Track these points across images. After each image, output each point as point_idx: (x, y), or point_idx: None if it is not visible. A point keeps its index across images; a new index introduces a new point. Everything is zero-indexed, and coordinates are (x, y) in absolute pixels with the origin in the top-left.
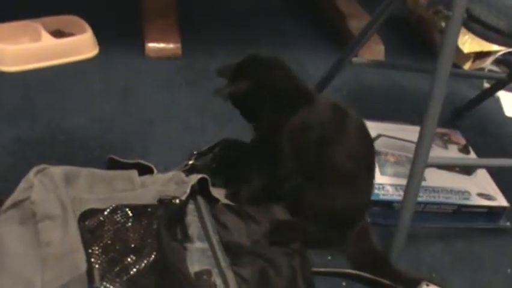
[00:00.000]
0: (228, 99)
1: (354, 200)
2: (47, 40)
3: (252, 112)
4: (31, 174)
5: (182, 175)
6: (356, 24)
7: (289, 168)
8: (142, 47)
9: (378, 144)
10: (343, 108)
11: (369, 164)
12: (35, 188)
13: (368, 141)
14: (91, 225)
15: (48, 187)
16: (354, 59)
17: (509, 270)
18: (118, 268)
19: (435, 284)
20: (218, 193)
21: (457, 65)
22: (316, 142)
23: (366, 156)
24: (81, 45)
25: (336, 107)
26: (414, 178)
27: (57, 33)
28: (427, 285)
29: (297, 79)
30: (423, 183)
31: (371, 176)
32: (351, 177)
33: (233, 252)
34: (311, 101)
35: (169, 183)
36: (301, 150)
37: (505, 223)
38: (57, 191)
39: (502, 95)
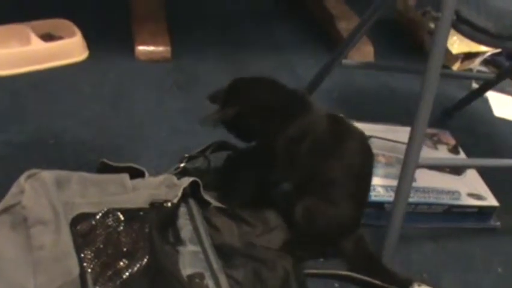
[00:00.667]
0: (217, 126)
1: (348, 213)
2: (37, 44)
3: (246, 134)
4: (22, 179)
5: (174, 178)
6: (345, 25)
7: (280, 178)
8: (132, 50)
9: None
10: (343, 120)
11: (365, 177)
12: (26, 193)
13: (366, 154)
14: (83, 230)
15: (40, 192)
16: (344, 61)
17: (499, 270)
18: (110, 272)
19: (426, 284)
20: (209, 196)
21: (445, 66)
22: (310, 153)
23: (363, 169)
24: (71, 48)
25: (335, 118)
26: (405, 179)
27: (47, 37)
28: (419, 285)
29: (287, 93)
30: (414, 184)
31: (367, 188)
32: (347, 190)
33: (225, 254)
34: (306, 112)
35: (160, 187)
36: (294, 161)
37: (495, 223)
38: (49, 196)
39: (491, 95)
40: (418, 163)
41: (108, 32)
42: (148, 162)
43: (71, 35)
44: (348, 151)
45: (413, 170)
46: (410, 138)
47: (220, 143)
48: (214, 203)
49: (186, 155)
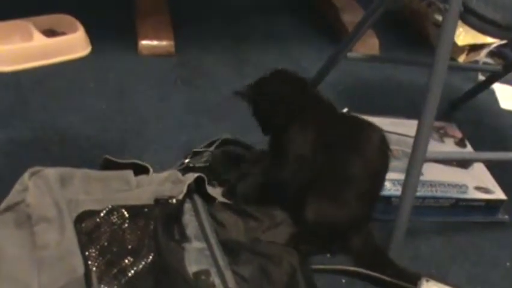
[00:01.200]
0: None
1: (359, 212)
2: (39, 39)
3: (264, 124)
4: (26, 176)
5: (179, 174)
6: (350, 18)
7: (291, 173)
8: (135, 44)
9: None
10: (362, 120)
11: (381, 175)
12: (30, 191)
13: (384, 151)
14: (88, 227)
15: (43, 189)
16: (349, 54)
17: (508, 264)
18: (115, 270)
19: (435, 279)
20: (215, 192)
21: (451, 58)
22: (324, 149)
23: (380, 167)
24: (73, 44)
25: (352, 118)
26: (412, 173)
27: (49, 33)
28: (427, 280)
29: (304, 88)
30: (421, 178)
31: (380, 186)
32: (362, 188)
33: (231, 250)
34: (321, 108)
35: (165, 183)
36: (305, 155)
37: (503, 216)
38: (53, 193)
39: (497, 87)
40: (426, 157)
41: (111, 27)
42: (153, 157)
43: (74, 30)
44: (367, 147)
45: (421, 164)
46: (418, 131)
47: (225, 138)
48: (220, 198)
49: (192, 150)
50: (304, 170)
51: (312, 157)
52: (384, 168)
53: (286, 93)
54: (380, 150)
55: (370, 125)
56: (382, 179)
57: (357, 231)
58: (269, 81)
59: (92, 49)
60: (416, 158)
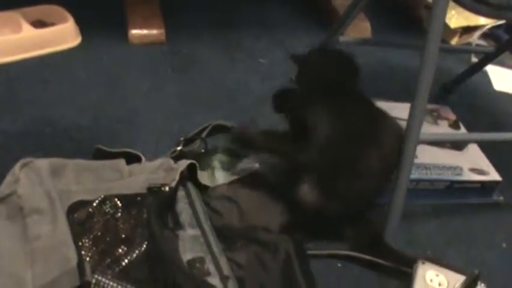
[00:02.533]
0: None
1: (363, 202)
2: (28, 31)
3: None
4: (16, 168)
5: (171, 162)
6: (341, 1)
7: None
8: (126, 34)
9: None
10: (379, 109)
11: (390, 171)
12: (21, 182)
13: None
14: (80, 218)
15: (35, 180)
16: (341, 38)
17: (504, 245)
18: (109, 260)
19: (431, 261)
20: (207, 178)
21: (444, 41)
22: (342, 138)
23: (391, 163)
24: (63, 34)
25: (375, 109)
26: (406, 155)
27: (38, 24)
28: (423, 263)
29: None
30: (415, 161)
31: (387, 179)
32: (370, 180)
33: (226, 237)
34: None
35: (157, 171)
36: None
37: (498, 197)
38: (44, 184)
39: (490, 69)
40: (419, 139)
41: (101, 17)
42: (145, 146)
43: (63, 20)
44: (384, 142)
45: (414, 146)
46: (411, 114)
47: (216, 125)
48: (212, 184)
49: (182, 138)
50: (309, 152)
51: (322, 142)
52: (395, 166)
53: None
54: (396, 142)
55: (386, 114)
56: (390, 177)
57: (354, 219)
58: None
59: (82, 39)
60: (410, 140)
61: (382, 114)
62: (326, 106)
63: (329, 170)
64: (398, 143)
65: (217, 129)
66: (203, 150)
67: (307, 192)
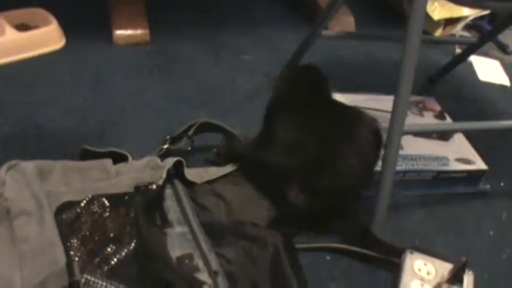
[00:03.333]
0: None
1: (344, 199)
2: (12, 34)
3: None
4: (2, 170)
5: (158, 160)
6: None
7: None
8: (110, 35)
9: None
10: (358, 111)
11: (369, 168)
12: (8, 185)
13: (375, 146)
14: (68, 218)
15: (21, 183)
16: (324, 32)
17: (491, 233)
18: (98, 259)
19: (419, 251)
20: (195, 175)
21: (427, 33)
22: (317, 139)
23: (369, 160)
24: (47, 37)
25: (348, 108)
26: (391, 146)
27: (22, 27)
28: (411, 252)
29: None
30: (401, 152)
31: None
32: (348, 178)
33: (215, 233)
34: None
35: (144, 169)
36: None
37: (484, 186)
38: (31, 186)
39: (475, 59)
40: (403, 130)
41: (84, 19)
42: (132, 146)
43: (47, 23)
44: (360, 139)
45: (399, 137)
46: (394, 104)
47: (203, 123)
48: (199, 181)
49: (168, 136)
50: (292, 154)
51: (303, 143)
52: (376, 156)
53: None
54: (372, 138)
55: (366, 116)
56: (371, 171)
57: (340, 213)
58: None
59: (67, 42)
60: (394, 131)
61: (357, 114)
62: (302, 112)
63: (310, 171)
64: (375, 139)
65: (204, 127)
66: (189, 148)
67: (294, 194)
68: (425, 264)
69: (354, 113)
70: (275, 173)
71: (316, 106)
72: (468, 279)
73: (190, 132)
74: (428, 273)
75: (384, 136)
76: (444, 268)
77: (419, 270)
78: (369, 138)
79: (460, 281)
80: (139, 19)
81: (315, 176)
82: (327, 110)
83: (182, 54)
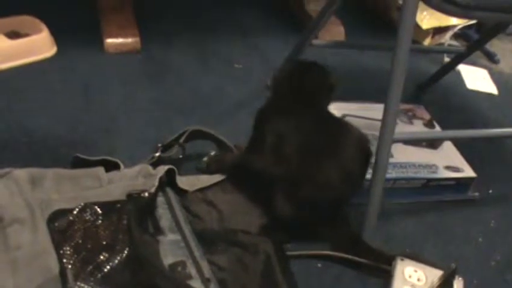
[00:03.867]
0: None
1: (329, 211)
2: (3, 42)
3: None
4: None
5: (150, 168)
6: (314, 7)
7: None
8: (101, 43)
9: None
10: (343, 122)
11: (354, 178)
12: (0, 193)
13: (361, 156)
14: (61, 226)
15: (14, 190)
16: (314, 41)
17: (480, 239)
18: (91, 267)
19: (409, 257)
20: (186, 183)
21: (416, 42)
22: (301, 151)
23: (354, 171)
24: (38, 45)
25: (334, 119)
26: (381, 154)
27: (13, 35)
28: (402, 259)
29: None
30: (391, 160)
31: (354, 189)
32: (332, 190)
33: (207, 241)
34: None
35: (136, 177)
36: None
37: (473, 193)
38: (24, 194)
39: (463, 68)
40: (393, 138)
41: (75, 27)
42: (124, 154)
43: (38, 31)
44: (344, 151)
45: (389, 145)
46: (384, 113)
47: (194, 130)
48: (191, 189)
49: (160, 144)
50: (278, 164)
51: (288, 153)
52: (362, 171)
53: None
54: (357, 153)
55: (350, 127)
56: (357, 181)
57: (330, 222)
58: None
59: (58, 50)
60: (384, 138)
61: (346, 127)
62: (292, 121)
63: (294, 181)
64: (361, 154)
65: (195, 135)
66: (181, 156)
67: (280, 204)
68: (416, 271)
69: (343, 126)
70: (264, 181)
71: (306, 115)
72: (458, 285)
73: (181, 140)
74: (418, 279)
75: (375, 144)
76: (434, 275)
77: (410, 276)
78: (355, 153)
79: (450, 287)
80: (129, 27)
81: (297, 187)
82: (317, 120)
83: (173, 63)
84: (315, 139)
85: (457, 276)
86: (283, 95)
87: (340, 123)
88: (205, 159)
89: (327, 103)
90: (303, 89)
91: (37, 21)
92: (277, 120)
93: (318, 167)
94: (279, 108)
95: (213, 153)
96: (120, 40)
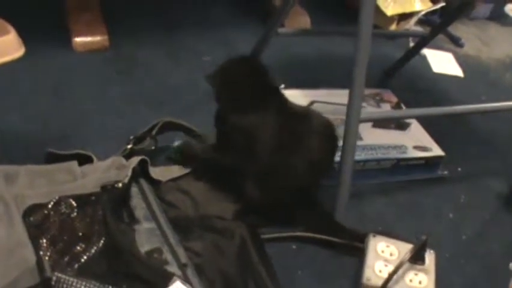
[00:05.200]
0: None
1: (299, 195)
2: None
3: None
4: None
5: (123, 159)
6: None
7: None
8: (69, 42)
9: None
10: (307, 110)
11: (322, 163)
12: None
13: (327, 141)
14: (36, 220)
15: None
16: (280, 30)
17: (451, 215)
18: (68, 257)
19: (381, 234)
20: (159, 173)
21: (381, 29)
22: (269, 145)
23: (321, 156)
24: (5, 46)
25: (298, 108)
26: (349, 135)
27: None
28: (374, 236)
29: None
30: (361, 143)
31: (323, 173)
32: (300, 175)
33: (182, 228)
34: (271, 101)
35: (110, 170)
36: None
37: (442, 172)
38: None
39: (429, 53)
40: (360, 118)
41: (44, 27)
42: (96, 149)
43: (5, 33)
44: (310, 137)
45: (356, 125)
46: (350, 94)
47: (165, 122)
48: (164, 179)
49: (132, 136)
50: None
51: (253, 146)
52: (329, 157)
53: (247, 84)
54: (323, 140)
55: (314, 115)
56: (326, 166)
57: (301, 205)
58: (234, 69)
59: (26, 50)
60: (351, 119)
61: (310, 115)
62: (255, 116)
63: (264, 174)
64: (327, 139)
65: (167, 126)
66: (153, 148)
67: (250, 190)
68: (388, 246)
69: (307, 115)
70: (232, 172)
71: (268, 109)
72: (430, 258)
73: (153, 132)
74: (391, 254)
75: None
76: (406, 248)
77: (382, 252)
78: (320, 141)
79: (422, 259)
80: (97, 26)
81: (265, 178)
82: (280, 112)
83: (142, 58)
84: (281, 131)
85: (428, 249)
86: (236, 93)
87: (303, 113)
88: (175, 144)
89: (281, 95)
90: (255, 85)
91: (3, 22)
92: (240, 118)
93: (284, 159)
94: (237, 107)
95: (177, 142)
96: (88, 38)
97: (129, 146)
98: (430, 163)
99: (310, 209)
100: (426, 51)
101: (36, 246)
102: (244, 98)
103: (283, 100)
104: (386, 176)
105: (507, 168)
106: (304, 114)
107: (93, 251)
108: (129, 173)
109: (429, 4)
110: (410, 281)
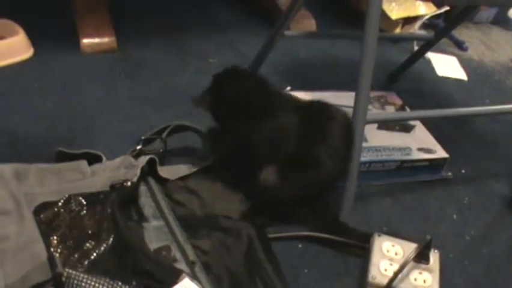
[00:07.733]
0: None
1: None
2: None
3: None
4: None
5: (131, 159)
6: (286, 1)
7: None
8: (77, 43)
9: None
10: (328, 105)
11: (341, 159)
12: None
13: (347, 138)
14: (47, 218)
15: None
16: (286, 32)
17: (455, 216)
18: (78, 254)
19: (386, 234)
20: (168, 172)
21: (386, 32)
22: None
23: (341, 152)
24: (14, 47)
25: (317, 103)
26: (355, 136)
27: None
28: (379, 235)
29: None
30: (366, 144)
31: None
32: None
33: (190, 226)
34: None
35: (119, 169)
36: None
37: (446, 173)
38: (9, 187)
39: (433, 56)
40: (366, 119)
41: (52, 28)
42: (103, 149)
43: (14, 34)
44: (331, 133)
45: (363, 127)
46: (356, 96)
47: (177, 125)
48: (172, 178)
49: (143, 137)
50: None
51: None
52: (348, 151)
53: (246, 95)
54: (344, 136)
55: (337, 110)
56: (345, 159)
57: (310, 203)
58: (227, 84)
59: (35, 51)
60: (357, 121)
61: (328, 109)
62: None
63: (287, 159)
64: (347, 134)
65: (178, 129)
66: (161, 150)
67: (268, 175)
68: (393, 246)
69: (324, 107)
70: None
71: (286, 110)
72: (434, 257)
73: (164, 135)
74: (396, 253)
75: None
76: (411, 248)
77: (388, 251)
78: (343, 134)
79: (426, 258)
80: (105, 27)
81: (289, 166)
82: (297, 106)
83: (149, 60)
84: (306, 125)
85: (433, 249)
86: (242, 102)
87: (320, 105)
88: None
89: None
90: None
91: (13, 24)
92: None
93: (308, 148)
94: (247, 115)
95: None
96: (96, 40)
97: (138, 147)
98: (434, 165)
99: (317, 208)
100: (431, 55)
101: (47, 243)
102: (252, 104)
103: (293, 98)
104: (391, 177)
105: (510, 170)
106: (324, 108)
107: (102, 248)
108: (138, 172)
109: (434, 8)
110: (415, 279)
